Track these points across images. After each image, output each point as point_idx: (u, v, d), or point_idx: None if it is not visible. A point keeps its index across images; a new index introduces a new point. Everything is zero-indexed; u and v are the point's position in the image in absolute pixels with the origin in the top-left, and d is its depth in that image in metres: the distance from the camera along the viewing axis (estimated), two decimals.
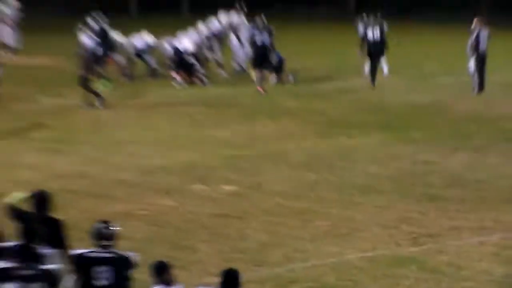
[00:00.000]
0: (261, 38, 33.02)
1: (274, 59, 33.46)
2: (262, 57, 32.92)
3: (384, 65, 35.03)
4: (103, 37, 32.57)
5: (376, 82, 34.15)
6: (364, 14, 37.68)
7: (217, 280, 11.06)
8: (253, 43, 33.60)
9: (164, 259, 11.70)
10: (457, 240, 17.95)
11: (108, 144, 24.93)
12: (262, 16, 33.73)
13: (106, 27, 33.29)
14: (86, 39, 28.67)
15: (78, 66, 29.19)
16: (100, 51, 31.77)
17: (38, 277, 11.01)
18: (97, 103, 28.75)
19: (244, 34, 35.31)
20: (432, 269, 16.38)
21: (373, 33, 34.45)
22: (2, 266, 11.10)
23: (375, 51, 34.36)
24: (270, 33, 33.27)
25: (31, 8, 52.46)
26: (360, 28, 36.99)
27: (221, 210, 19.46)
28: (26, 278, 10.97)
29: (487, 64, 33.09)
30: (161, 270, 11.36)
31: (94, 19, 33.17)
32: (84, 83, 28.75)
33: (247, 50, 34.89)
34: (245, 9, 35.85)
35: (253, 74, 33.24)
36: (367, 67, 35.07)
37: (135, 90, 32.45)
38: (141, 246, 15.47)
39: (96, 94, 28.80)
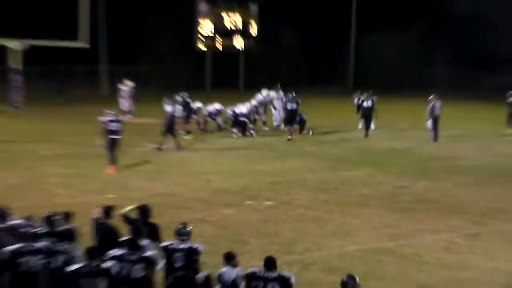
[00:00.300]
0: (291, 105, 33.03)
1: (297, 120, 33.42)
2: (291, 118, 32.97)
3: (372, 124, 34.84)
4: (186, 106, 32.64)
5: (371, 134, 34.10)
6: (359, 91, 37.68)
7: (261, 263, 10.84)
8: (285, 108, 33.62)
9: (231, 250, 11.56)
10: (420, 238, 17.79)
11: (190, 174, 24.77)
12: (293, 92, 33.71)
13: (188, 99, 33.36)
14: (168, 107, 28.78)
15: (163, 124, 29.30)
16: (183, 115, 31.96)
17: (141, 260, 10.98)
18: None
19: (278, 103, 35.33)
20: (403, 256, 16.25)
21: (366, 103, 34.48)
22: (118, 253, 11.10)
23: (367, 114, 34.36)
24: (297, 103, 33.23)
25: (142, 85, 52.89)
26: (355, 99, 37.01)
27: (263, 217, 19.29)
28: (133, 261, 10.95)
29: (440, 123, 32.85)
30: (230, 257, 11.26)
31: (178, 94, 33.23)
32: (163, 135, 28.76)
33: (281, 114, 34.84)
34: (280, 87, 35.79)
35: (285, 129, 33.16)
36: (360, 125, 34.98)
37: (208, 139, 32.33)
38: (210, 241, 15.32)
39: (161, 144, 28.63)
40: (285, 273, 10.78)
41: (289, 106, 33.16)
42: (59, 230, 11.78)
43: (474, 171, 26.40)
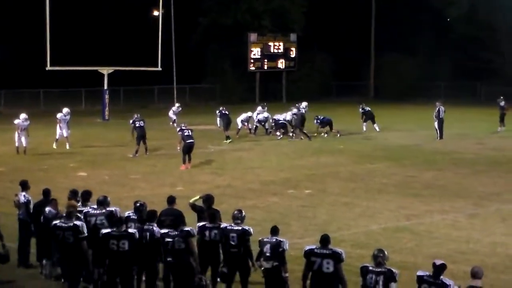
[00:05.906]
0: (303, 112, 32.48)
1: (317, 122, 33.29)
2: (303, 121, 32.18)
3: (376, 126, 34.83)
4: (224, 116, 32.00)
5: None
6: (363, 103, 36.53)
7: (301, 241, 10.57)
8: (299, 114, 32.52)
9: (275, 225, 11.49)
10: (430, 217, 17.41)
11: (244, 169, 24.52)
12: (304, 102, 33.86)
13: (225, 111, 32.35)
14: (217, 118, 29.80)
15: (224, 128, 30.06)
16: (223, 124, 31.92)
17: (179, 235, 11.13)
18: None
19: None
20: (416, 233, 15.89)
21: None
22: (165, 230, 11.35)
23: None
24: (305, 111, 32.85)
25: (205, 100, 52.82)
26: (360, 109, 35.39)
27: (303, 203, 18.99)
28: (173, 236, 11.16)
29: (444, 124, 32.29)
30: (275, 230, 11.24)
31: (223, 109, 32.86)
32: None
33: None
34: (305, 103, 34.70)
35: (298, 131, 32.26)
36: (377, 128, 34.43)
37: (258, 141, 32.03)
38: (260, 223, 15.11)
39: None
40: (338, 249, 10.21)
41: (302, 111, 32.61)
42: (146, 214, 12.00)
43: (472, 162, 25.88)
